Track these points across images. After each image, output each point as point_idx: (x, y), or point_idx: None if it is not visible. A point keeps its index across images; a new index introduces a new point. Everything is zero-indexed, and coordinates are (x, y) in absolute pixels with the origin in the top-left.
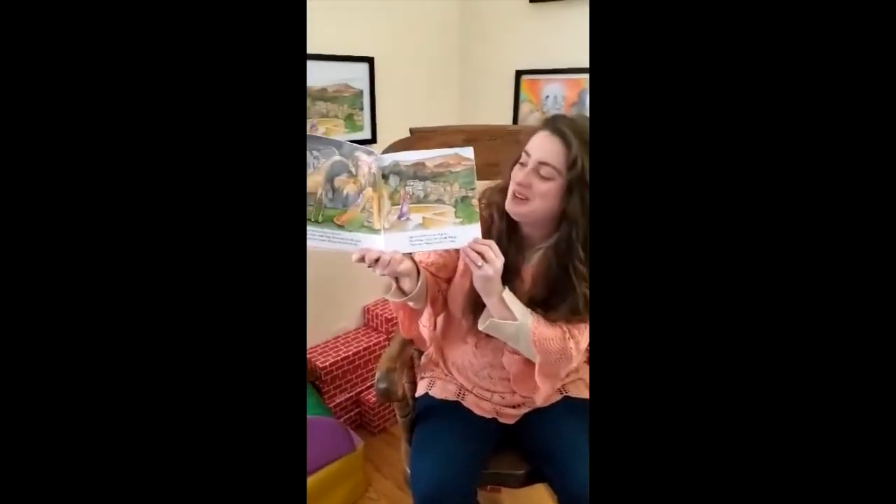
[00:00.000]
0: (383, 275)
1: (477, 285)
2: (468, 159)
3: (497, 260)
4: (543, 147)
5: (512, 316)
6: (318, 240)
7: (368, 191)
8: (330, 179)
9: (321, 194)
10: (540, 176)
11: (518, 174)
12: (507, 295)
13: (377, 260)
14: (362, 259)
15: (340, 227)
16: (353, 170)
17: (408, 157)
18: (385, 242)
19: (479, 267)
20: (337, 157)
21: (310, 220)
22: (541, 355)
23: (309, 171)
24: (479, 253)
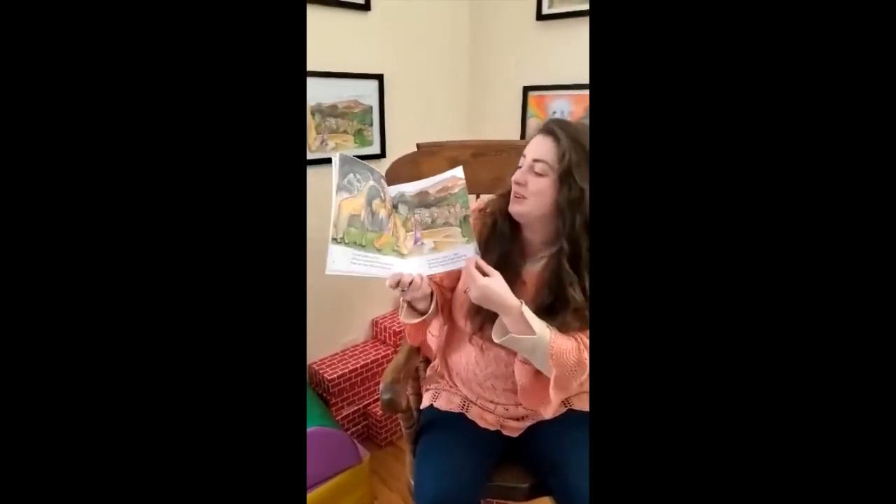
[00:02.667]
0: (408, 299)
1: (488, 306)
2: (461, 178)
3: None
4: (537, 146)
5: (531, 331)
6: (362, 265)
7: (394, 216)
8: (369, 202)
9: (364, 217)
10: (534, 173)
11: (516, 175)
12: (527, 310)
13: (410, 283)
14: (397, 284)
15: (378, 250)
16: (382, 195)
17: (411, 188)
18: (407, 267)
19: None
20: (372, 182)
21: (354, 243)
22: (557, 369)
23: (353, 193)
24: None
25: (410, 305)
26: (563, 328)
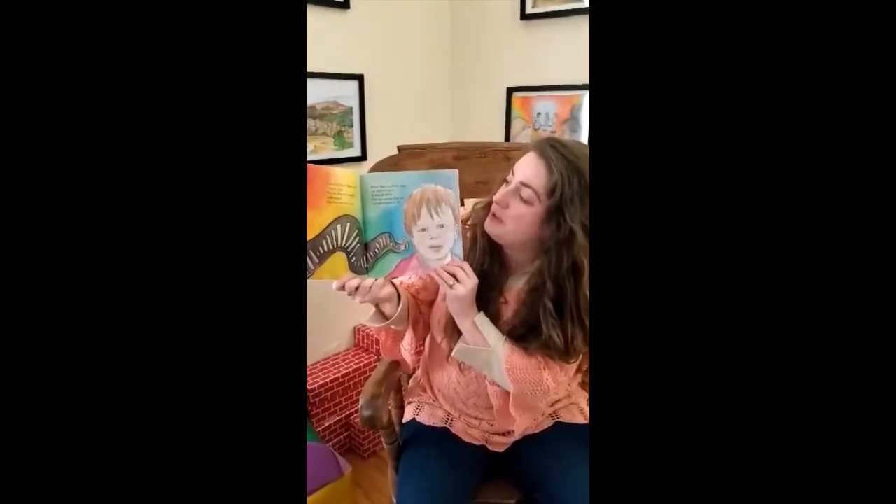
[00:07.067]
0: (363, 302)
1: (450, 307)
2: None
3: (469, 280)
4: (528, 169)
5: (485, 342)
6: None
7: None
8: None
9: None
10: (519, 197)
11: (499, 192)
12: (481, 319)
13: (357, 288)
14: (342, 287)
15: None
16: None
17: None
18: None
19: (451, 287)
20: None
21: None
22: (514, 385)
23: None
24: (450, 273)
25: (378, 309)
26: (527, 353)
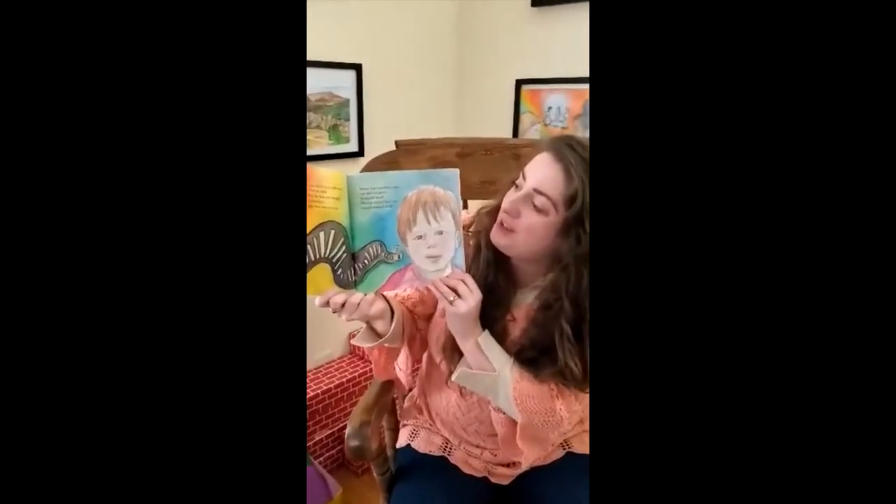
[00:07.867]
0: (350, 320)
1: (450, 325)
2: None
3: (472, 295)
4: (542, 173)
5: (490, 366)
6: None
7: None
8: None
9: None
10: (532, 206)
11: (507, 199)
12: (485, 339)
13: (343, 304)
14: (327, 304)
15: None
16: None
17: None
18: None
19: (451, 303)
20: None
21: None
22: (523, 415)
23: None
24: (451, 287)
25: (370, 326)
26: (538, 379)
